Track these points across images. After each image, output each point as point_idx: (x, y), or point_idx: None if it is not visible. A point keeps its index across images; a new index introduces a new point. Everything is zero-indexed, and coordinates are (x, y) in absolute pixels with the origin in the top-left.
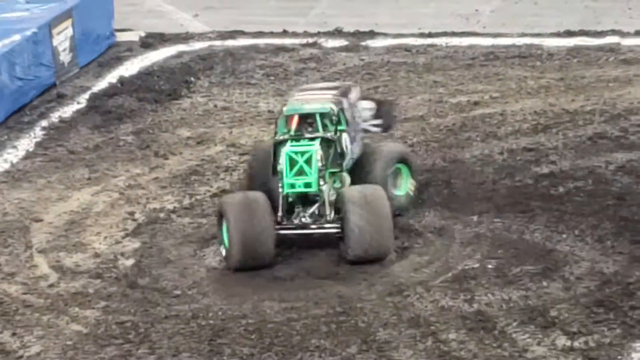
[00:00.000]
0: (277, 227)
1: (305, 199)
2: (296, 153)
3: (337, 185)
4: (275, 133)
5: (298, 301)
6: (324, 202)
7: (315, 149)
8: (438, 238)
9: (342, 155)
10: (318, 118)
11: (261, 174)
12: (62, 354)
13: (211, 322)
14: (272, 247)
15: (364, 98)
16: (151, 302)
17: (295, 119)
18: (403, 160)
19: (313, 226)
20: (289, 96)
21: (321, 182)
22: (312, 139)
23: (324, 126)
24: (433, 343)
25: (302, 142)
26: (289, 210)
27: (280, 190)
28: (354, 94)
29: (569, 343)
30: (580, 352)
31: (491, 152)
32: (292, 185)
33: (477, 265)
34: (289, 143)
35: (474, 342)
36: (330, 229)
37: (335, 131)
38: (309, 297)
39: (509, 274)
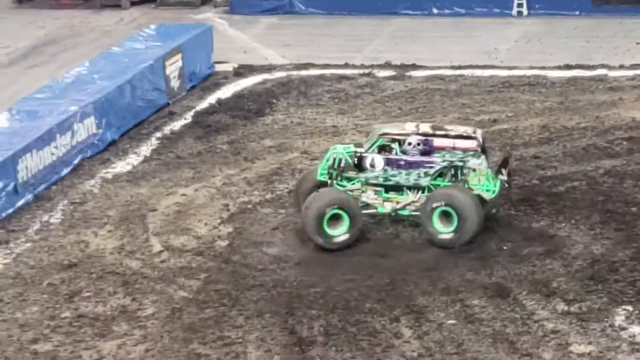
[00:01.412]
0: None
1: None
2: None
3: None
4: None
5: (356, 274)
6: None
7: None
8: None
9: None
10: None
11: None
12: (171, 314)
13: (287, 290)
14: None
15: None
16: (241, 275)
17: None
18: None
19: None
20: None
21: None
22: None
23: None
24: (460, 307)
25: None
26: None
27: None
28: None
29: (566, 308)
30: (575, 315)
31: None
32: None
33: (495, 246)
34: None
35: (492, 307)
36: None
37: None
38: (364, 271)
39: (520, 253)
